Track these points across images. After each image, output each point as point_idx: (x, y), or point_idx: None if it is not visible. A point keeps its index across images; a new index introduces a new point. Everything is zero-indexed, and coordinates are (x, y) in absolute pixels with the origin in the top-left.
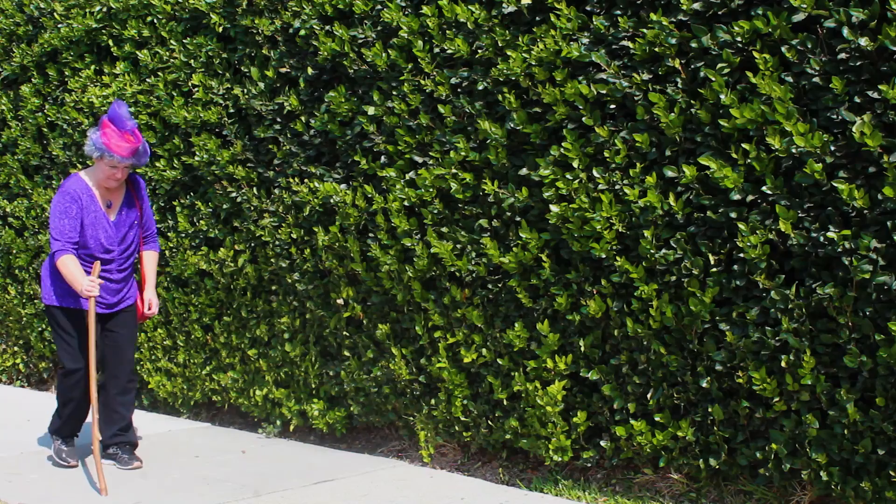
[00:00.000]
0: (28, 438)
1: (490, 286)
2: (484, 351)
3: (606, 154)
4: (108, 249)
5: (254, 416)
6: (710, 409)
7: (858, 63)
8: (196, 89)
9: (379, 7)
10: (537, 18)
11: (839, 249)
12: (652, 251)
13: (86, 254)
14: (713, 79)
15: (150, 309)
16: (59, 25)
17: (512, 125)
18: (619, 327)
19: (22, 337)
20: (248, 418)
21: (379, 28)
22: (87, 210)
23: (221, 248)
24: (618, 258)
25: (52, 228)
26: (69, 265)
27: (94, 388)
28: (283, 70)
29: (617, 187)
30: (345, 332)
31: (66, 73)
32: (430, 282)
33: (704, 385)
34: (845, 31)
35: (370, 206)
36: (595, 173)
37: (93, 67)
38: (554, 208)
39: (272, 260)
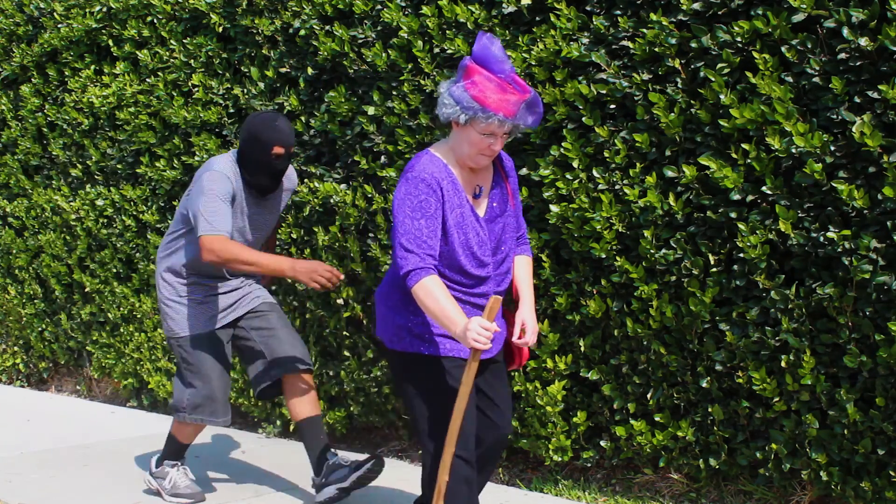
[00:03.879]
0: (28, 438)
1: None
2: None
3: (606, 154)
4: (481, 262)
5: (254, 416)
6: (710, 409)
7: (858, 63)
8: (196, 89)
9: (379, 7)
10: (537, 18)
11: (839, 249)
12: (652, 251)
13: (452, 273)
14: (713, 79)
15: (520, 337)
16: (59, 25)
17: None
18: (619, 327)
19: (22, 337)
20: (248, 418)
21: (379, 28)
22: (450, 204)
23: None
24: (618, 258)
25: (401, 234)
26: (435, 293)
27: (446, 467)
28: (283, 70)
29: (617, 187)
30: (345, 332)
31: (66, 73)
32: None
33: (704, 385)
34: (845, 31)
35: (370, 206)
36: (595, 173)
37: (93, 67)
38: (554, 208)
39: None
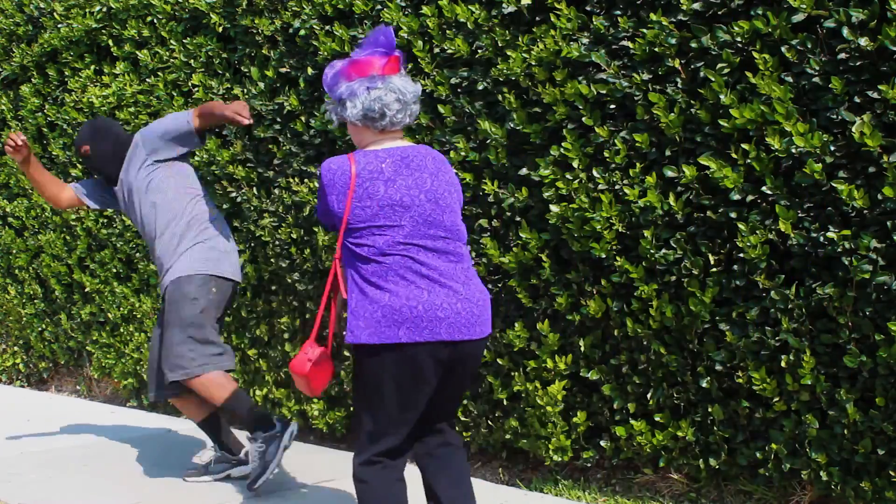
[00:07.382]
0: (28, 438)
1: (490, 286)
2: (484, 351)
3: (606, 154)
4: None
5: None
6: (710, 409)
7: (858, 63)
8: (196, 89)
9: (379, 7)
10: (537, 18)
11: (839, 249)
12: (652, 251)
13: None
14: (713, 79)
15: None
16: (59, 25)
17: (512, 125)
18: (619, 327)
19: (22, 337)
20: None
21: None
22: None
23: None
24: (618, 258)
25: None
26: None
27: None
28: (283, 70)
29: (617, 187)
30: (345, 332)
31: (66, 73)
32: None
33: (704, 385)
34: (845, 31)
35: None
36: (595, 173)
37: (93, 67)
38: (554, 208)
39: (272, 260)
